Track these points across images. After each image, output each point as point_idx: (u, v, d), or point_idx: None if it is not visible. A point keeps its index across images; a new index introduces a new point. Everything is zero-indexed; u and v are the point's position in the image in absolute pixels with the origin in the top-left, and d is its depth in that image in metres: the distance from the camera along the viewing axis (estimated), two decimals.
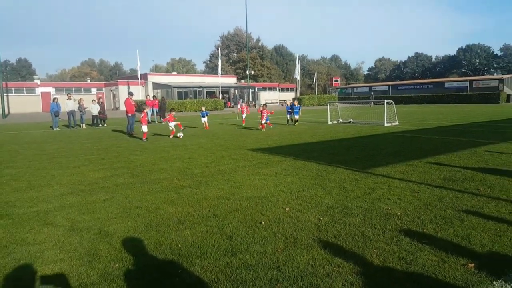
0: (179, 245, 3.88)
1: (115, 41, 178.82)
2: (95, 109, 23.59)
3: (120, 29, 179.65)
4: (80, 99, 23.82)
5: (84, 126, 22.49)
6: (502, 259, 3.36)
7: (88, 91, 53.86)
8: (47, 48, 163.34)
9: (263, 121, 16.88)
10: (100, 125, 23.29)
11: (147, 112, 26.52)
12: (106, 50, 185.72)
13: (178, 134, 14.55)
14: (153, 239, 4.07)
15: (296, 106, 19.84)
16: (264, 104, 19.87)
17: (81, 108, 23.07)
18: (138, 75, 44.90)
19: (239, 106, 27.71)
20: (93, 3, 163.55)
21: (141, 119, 14.89)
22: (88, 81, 65.19)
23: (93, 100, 24.33)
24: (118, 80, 54.99)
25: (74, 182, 7.00)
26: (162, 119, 25.37)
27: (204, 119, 18.39)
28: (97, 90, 55.16)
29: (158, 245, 3.90)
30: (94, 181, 7.09)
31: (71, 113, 22.40)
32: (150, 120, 26.17)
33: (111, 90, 54.34)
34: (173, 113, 15.23)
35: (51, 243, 4.04)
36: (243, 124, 19.40)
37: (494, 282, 2.97)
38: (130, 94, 17.51)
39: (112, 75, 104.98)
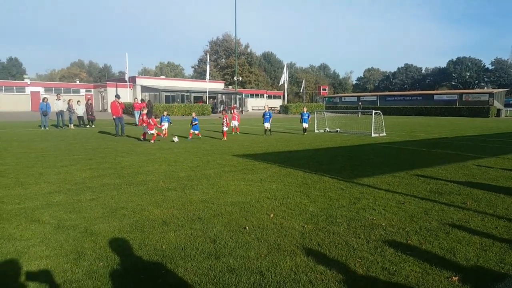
0: (164, 247, 3.89)
1: (104, 43, 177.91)
2: (80, 110, 23.40)
3: (110, 32, 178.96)
4: (69, 100, 23.66)
5: (72, 126, 22.25)
6: (486, 274, 3.40)
7: (77, 92, 53.51)
8: (38, 48, 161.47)
9: (225, 128, 15.85)
10: (88, 126, 23.08)
11: (135, 114, 26.40)
12: (95, 52, 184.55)
13: (174, 139, 14.46)
14: (138, 240, 4.08)
15: (305, 113, 18.70)
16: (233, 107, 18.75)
17: (70, 109, 22.84)
18: (127, 78, 44.73)
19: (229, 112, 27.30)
20: (85, 5, 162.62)
21: (149, 126, 14.70)
22: (77, 82, 64.63)
23: (78, 101, 24.18)
24: (107, 82, 54.58)
25: (61, 181, 6.98)
26: (137, 123, 25.18)
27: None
28: (86, 91, 54.94)
29: (143, 246, 3.91)
30: (81, 180, 7.07)
31: (60, 113, 22.25)
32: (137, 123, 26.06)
33: (100, 92, 53.91)
34: (157, 119, 15.16)
35: (37, 240, 4.06)
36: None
37: None
38: (117, 97, 17.49)
39: (101, 77, 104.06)
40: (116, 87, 50.51)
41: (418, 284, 3.19)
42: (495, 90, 58.22)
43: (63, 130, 20.56)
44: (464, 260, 3.67)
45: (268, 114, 17.84)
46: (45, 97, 22.65)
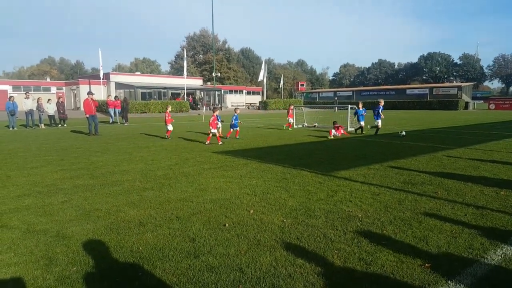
0: (140, 248, 3.80)
1: (76, 39, 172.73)
2: (50, 109, 22.65)
3: (82, 27, 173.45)
4: (39, 98, 22.77)
5: (42, 126, 21.51)
6: (456, 260, 3.52)
7: (47, 90, 51.68)
8: (3, 44, 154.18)
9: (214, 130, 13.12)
10: (59, 125, 22.36)
11: (109, 112, 25.79)
12: (67, 48, 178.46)
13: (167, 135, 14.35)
14: (113, 242, 3.96)
15: (361, 109, 16.68)
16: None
17: (40, 108, 22.01)
18: (100, 75, 43.53)
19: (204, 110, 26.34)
20: (54, 0, 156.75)
21: (166, 120, 14.46)
22: (48, 79, 62.41)
23: (49, 99, 23.37)
24: (79, 79, 53.08)
25: (31, 183, 6.70)
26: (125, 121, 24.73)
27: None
28: (57, 89, 53.22)
29: (119, 248, 3.81)
30: (52, 182, 6.81)
31: (29, 113, 21.43)
32: (112, 121, 25.48)
33: (72, 90, 52.35)
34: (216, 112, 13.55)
35: (5, 246, 3.88)
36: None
37: (449, 282, 3.11)
38: (90, 93, 16.95)
39: (73, 74, 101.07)
40: (89, 84, 49.22)
41: (393, 273, 3.27)
42: (463, 84, 60.44)
43: (33, 130, 19.78)
44: (436, 248, 3.79)
45: (363, 110, 16.42)
46: (11, 96, 21.78)
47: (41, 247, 3.84)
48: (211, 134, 12.91)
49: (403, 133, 15.00)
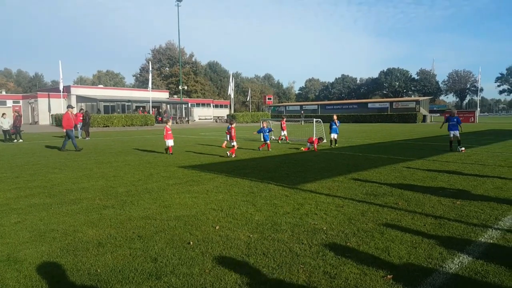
0: (99, 270, 3.61)
1: (35, 51, 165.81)
2: (6, 124, 21.45)
3: (42, 38, 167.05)
4: None
5: None
6: (417, 270, 3.60)
7: (2, 103, 49.06)
8: None
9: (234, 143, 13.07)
10: (15, 141, 21.17)
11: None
12: (25, 60, 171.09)
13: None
14: (69, 264, 3.74)
15: (336, 122, 16.89)
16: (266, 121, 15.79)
17: None
18: (61, 87, 41.89)
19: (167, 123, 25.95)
20: (11, 8, 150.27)
21: (165, 135, 13.66)
22: (3, 93, 59.18)
23: (3, 114, 22.13)
24: (38, 92, 50.96)
25: None
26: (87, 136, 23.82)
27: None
28: (14, 102, 50.78)
29: (75, 271, 3.60)
30: (4, 202, 6.41)
31: None
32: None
33: (30, 103, 50.04)
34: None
35: None
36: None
37: None
38: (70, 107, 16.16)
39: (32, 86, 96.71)
40: (49, 97, 47.32)
41: (357, 285, 3.29)
42: (421, 98, 63.67)
43: None
44: (397, 258, 3.87)
45: (263, 130, 15.31)
46: None
47: None
48: (236, 146, 13.02)
49: (462, 148, 13.88)
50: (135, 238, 4.54)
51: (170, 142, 13.66)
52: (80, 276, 3.48)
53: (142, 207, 6.01)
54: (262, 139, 15.56)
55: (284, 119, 20.46)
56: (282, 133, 19.48)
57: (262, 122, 15.64)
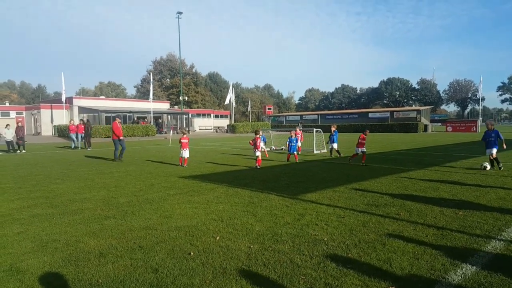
0: (100, 280, 3.60)
1: (38, 63, 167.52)
2: (9, 135, 21.58)
3: (45, 50, 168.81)
4: None
5: None
6: (419, 281, 3.57)
7: (6, 114, 49.46)
8: None
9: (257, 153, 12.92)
10: (18, 152, 21.25)
11: (71, 137, 24.87)
12: (28, 71, 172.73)
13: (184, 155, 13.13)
14: (71, 275, 3.74)
15: (334, 132, 16.66)
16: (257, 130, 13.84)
17: None
18: (63, 99, 42.21)
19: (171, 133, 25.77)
20: (15, 21, 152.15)
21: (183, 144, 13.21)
22: (7, 104, 59.60)
23: (7, 125, 22.28)
24: (41, 104, 51.18)
25: None
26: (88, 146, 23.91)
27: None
28: (17, 114, 51.20)
29: (77, 281, 3.60)
30: (7, 212, 6.43)
31: None
32: (75, 146, 24.52)
33: (33, 114, 50.33)
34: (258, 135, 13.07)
35: None
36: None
37: None
38: (118, 117, 16.54)
39: (34, 98, 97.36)
40: (51, 108, 47.58)
41: None
42: (422, 108, 63.61)
43: None
44: (399, 270, 3.84)
45: (290, 141, 14.87)
46: None
47: None
48: (259, 157, 12.86)
49: (486, 165, 11.45)
50: (136, 248, 4.53)
51: (185, 153, 13.13)
52: (82, 287, 3.48)
53: (143, 217, 6.01)
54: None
55: (297, 129, 18.88)
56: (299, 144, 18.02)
57: (291, 132, 15.11)
